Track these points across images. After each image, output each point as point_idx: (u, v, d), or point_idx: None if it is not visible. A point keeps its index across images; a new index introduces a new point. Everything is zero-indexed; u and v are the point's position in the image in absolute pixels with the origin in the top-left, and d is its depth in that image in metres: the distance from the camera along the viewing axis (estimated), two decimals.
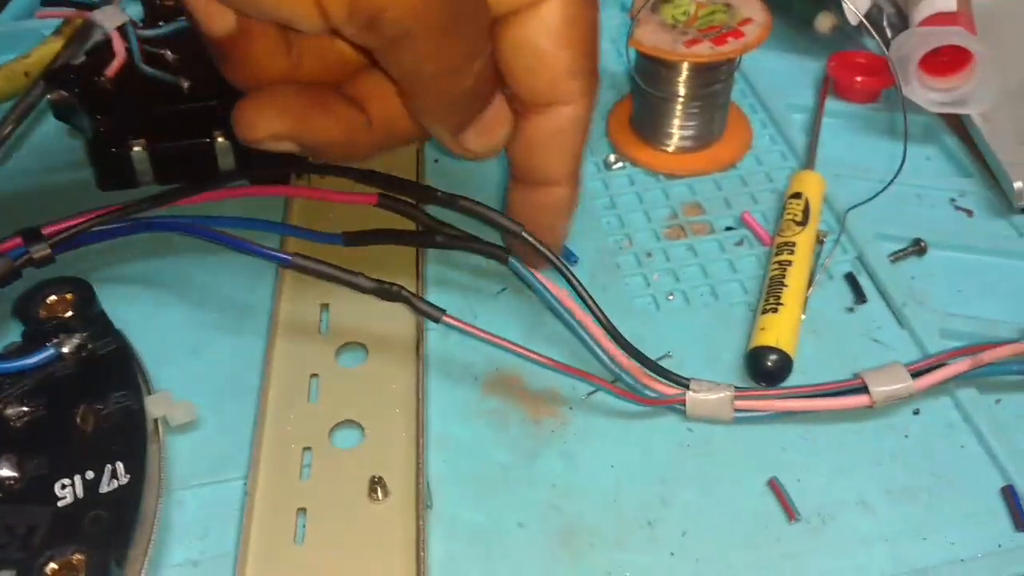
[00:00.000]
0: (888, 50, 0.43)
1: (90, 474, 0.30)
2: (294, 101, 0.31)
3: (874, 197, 0.40)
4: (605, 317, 0.33)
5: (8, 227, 0.37)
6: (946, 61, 0.43)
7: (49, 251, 0.35)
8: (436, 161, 0.44)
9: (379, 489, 0.32)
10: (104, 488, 0.30)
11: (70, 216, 0.35)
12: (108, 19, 0.45)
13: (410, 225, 0.37)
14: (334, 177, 0.37)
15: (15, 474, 0.30)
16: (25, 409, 0.32)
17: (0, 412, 0.31)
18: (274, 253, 0.33)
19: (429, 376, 0.35)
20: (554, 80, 0.30)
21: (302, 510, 0.31)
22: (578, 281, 0.34)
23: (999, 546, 0.31)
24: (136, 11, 0.47)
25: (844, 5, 0.46)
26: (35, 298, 0.34)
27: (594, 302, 0.33)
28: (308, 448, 0.33)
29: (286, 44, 0.30)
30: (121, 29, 0.44)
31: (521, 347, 0.33)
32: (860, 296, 0.38)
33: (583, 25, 0.30)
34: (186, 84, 0.43)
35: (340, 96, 0.31)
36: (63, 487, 0.30)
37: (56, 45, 0.47)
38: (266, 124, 0.30)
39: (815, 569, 0.30)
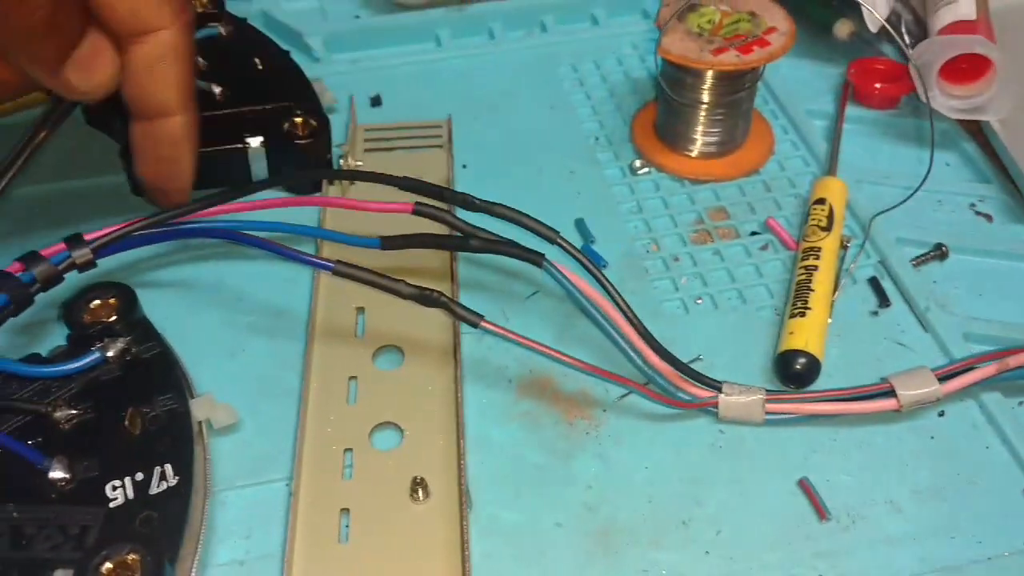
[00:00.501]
0: (909, 57, 0.44)
1: (139, 476, 0.31)
2: None
3: (902, 203, 0.41)
4: (638, 320, 0.34)
5: (41, 232, 0.38)
6: (965, 68, 0.44)
7: (91, 256, 0.36)
8: (464, 166, 0.45)
9: (420, 490, 0.32)
10: (154, 489, 0.31)
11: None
12: None
13: (443, 230, 0.38)
14: (370, 183, 0.38)
15: (66, 475, 0.31)
16: (73, 412, 0.32)
17: (49, 415, 0.32)
18: (317, 260, 0.34)
19: (464, 378, 0.36)
20: (137, 7, 0.31)
21: (345, 510, 0.32)
22: (610, 284, 0.34)
23: None
24: None
25: (864, 11, 0.46)
26: (79, 303, 0.35)
27: (627, 305, 0.34)
28: (349, 449, 0.34)
29: None
30: None
31: (558, 352, 0.33)
32: (884, 300, 0.39)
33: None
34: (218, 90, 0.44)
35: None
36: (114, 488, 0.31)
37: None
38: None
39: (846, 567, 0.31)
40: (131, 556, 0.28)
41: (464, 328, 0.37)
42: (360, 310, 0.38)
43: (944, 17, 0.45)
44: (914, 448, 0.34)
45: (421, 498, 0.32)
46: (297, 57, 0.48)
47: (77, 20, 0.30)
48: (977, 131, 0.46)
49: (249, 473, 0.34)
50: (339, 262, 0.34)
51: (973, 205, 0.44)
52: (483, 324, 0.34)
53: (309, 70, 0.47)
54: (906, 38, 0.49)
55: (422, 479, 0.32)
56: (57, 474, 0.31)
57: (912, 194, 0.41)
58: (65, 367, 0.33)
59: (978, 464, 0.34)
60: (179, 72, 0.33)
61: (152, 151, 0.35)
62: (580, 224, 0.42)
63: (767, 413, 0.34)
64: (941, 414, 0.35)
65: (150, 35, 0.32)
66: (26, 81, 0.32)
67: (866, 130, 0.47)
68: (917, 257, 0.41)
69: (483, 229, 0.37)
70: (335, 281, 0.38)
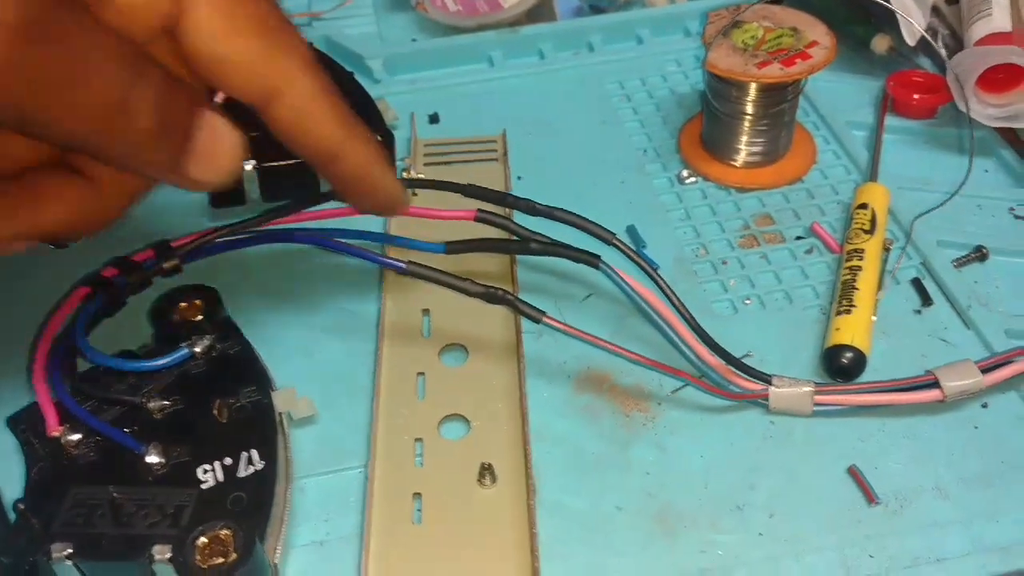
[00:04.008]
0: (947, 67, 0.46)
1: (228, 460, 0.33)
2: None
3: (943, 204, 0.43)
4: (692, 317, 0.36)
5: (129, 242, 0.41)
6: (1001, 78, 0.46)
7: (178, 261, 0.38)
8: (520, 178, 0.47)
9: (488, 475, 0.34)
10: (242, 473, 0.33)
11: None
12: None
13: (504, 236, 0.40)
14: (432, 194, 0.40)
15: (161, 460, 0.33)
16: (166, 403, 0.35)
17: (143, 405, 0.35)
18: (391, 261, 0.36)
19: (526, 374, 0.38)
20: (252, 77, 0.27)
21: (417, 495, 0.34)
22: (666, 283, 0.36)
23: None
24: None
25: (902, 25, 0.48)
26: (168, 303, 0.38)
27: (681, 303, 0.36)
28: (419, 439, 0.36)
29: None
30: None
31: (617, 345, 0.35)
32: (927, 299, 0.41)
33: (246, 5, 0.26)
34: None
35: (55, 173, 0.26)
36: (205, 472, 0.33)
37: None
38: None
39: (896, 547, 0.33)
40: (224, 532, 0.30)
41: (525, 326, 0.39)
42: (426, 312, 0.41)
43: (979, 30, 0.47)
44: (959, 438, 0.36)
45: (489, 483, 0.34)
46: (359, 78, 0.50)
47: (188, 113, 0.27)
48: (1014, 138, 0.48)
49: (327, 462, 0.36)
50: (410, 262, 0.36)
51: (1012, 209, 0.45)
52: (545, 320, 0.36)
53: (371, 90, 0.49)
54: (943, 51, 0.50)
55: (489, 465, 0.34)
56: (153, 459, 0.33)
57: (951, 196, 0.43)
58: (158, 362, 0.36)
59: (1022, 452, 0.35)
60: (326, 115, 0.29)
61: (348, 189, 0.32)
62: (632, 231, 0.44)
63: (816, 404, 0.36)
64: (984, 406, 0.37)
65: (279, 96, 0.28)
66: (147, 185, 0.29)
67: (905, 139, 0.49)
68: (958, 259, 0.42)
69: (541, 234, 0.39)
70: (402, 285, 0.41)
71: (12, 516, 0.32)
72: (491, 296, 0.36)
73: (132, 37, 0.25)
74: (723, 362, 0.36)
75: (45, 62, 0.23)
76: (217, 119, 0.28)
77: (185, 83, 0.27)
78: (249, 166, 0.44)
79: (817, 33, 0.44)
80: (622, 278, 0.37)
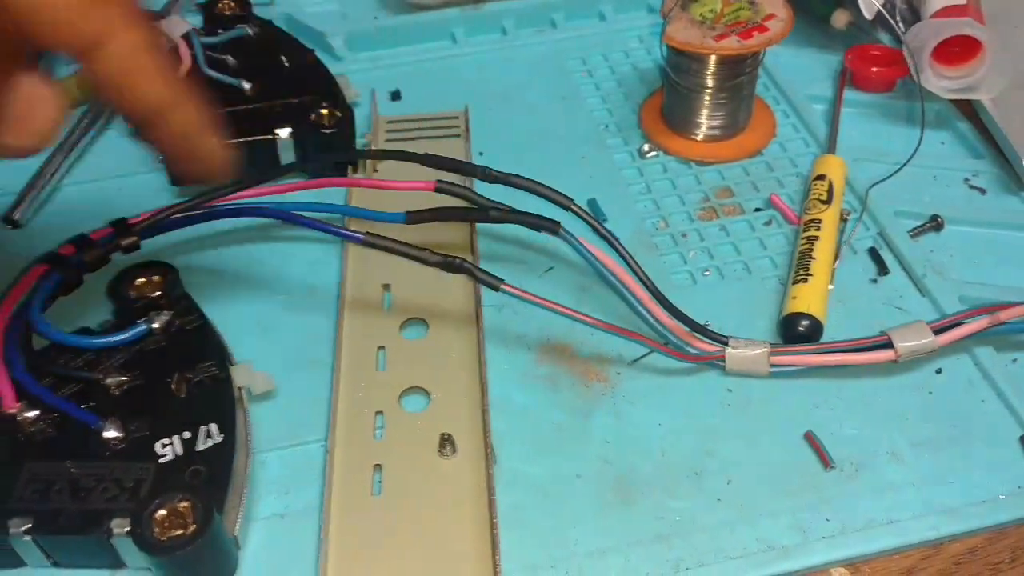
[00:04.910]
0: (902, 40, 0.46)
1: (187, 434, 0.33)
2: None
3: (894, 174, 0.43)
4: (648, 279, 0.36)
5: (89, 223, 0.40)
6: (957, 51, 0.46)
7: (136, 239, 0.38)
8: (481, 154, 0.47)
9: (448, 446, 0.34)
10: (200, 446, 0.33)
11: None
12: (174, 28, 0.48)
13: (462, 205, 0.40)
14: (394, 162, 0.40)
15: (119, 435, 0.33)
16: (123, 378, 0.35)
17: (101, 381, 0.35)
18: (348, 232, 0.36)
19: (486, 346, 0.38)
20: (70, 26, 0.26)
21: (378, 466, 0.34)
22: (625, 250, 0.36)
23: (1019, 487, 0.34)
24: (196, 20, 0.51)
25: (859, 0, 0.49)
26: (126, 280, 0.38)
27: (640, 269, 0.36)
28: (380, 412, 0.36)
29: None
30: (186, 37, 0.48)
31: (576, 311, 0.36)
32: (883, 268, 0.41)
33: None
34: (247, 86, 0.46)
35: None
36: (163, 446, 0.33)
37: None
38: None
39: (850, 510, 0.33)
40: (182, 504, 0.30)
41: (486, 300, 0.39)
42: (386, 287, 0.40)
43: (935, 3, 0.48)
44: (913, 403, 0.36)
45: (449, 454, 0.34)
46: (320, 56, 0.50)
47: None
48: (971, 112, 0.48)
49: (286, 436, 0.36)
50: (368, 233, 0.36)
51: (967, 179, 0.46)
52: (504, 287, 0.36)
53: (332, 68, 0.49)
54: (900, 25, 0.51)
55: (449, 436, 0.35)
56: (111, 434, 0.33)
57: (903, 166, 0.44)
58: (115, 338, 0.36)
59: (974, 416, 0.36)
60: (151, 70, 0.28)
61: (171, 150, 0.31)
62: (592, 204, 0.44)
63: (772, 366, 0.36)
64: (938, 371, 0.37)
65: (101, 48, 0.27)
66: None
67: (864, 112, 0.49)
68: (914, 228, 0.43)
69: (500, 202, 0.39)
70: (362, 260, 0.41)
71: None
72: (449, 265, 0.36)
73: None
74: (682, 326, 0.37)
75: None
76: (36, 84, 0.27)
77: None
78: (285, 133, 0.44)
79: (774, 6, 0.45)
80: (581, 244, 0.37)
